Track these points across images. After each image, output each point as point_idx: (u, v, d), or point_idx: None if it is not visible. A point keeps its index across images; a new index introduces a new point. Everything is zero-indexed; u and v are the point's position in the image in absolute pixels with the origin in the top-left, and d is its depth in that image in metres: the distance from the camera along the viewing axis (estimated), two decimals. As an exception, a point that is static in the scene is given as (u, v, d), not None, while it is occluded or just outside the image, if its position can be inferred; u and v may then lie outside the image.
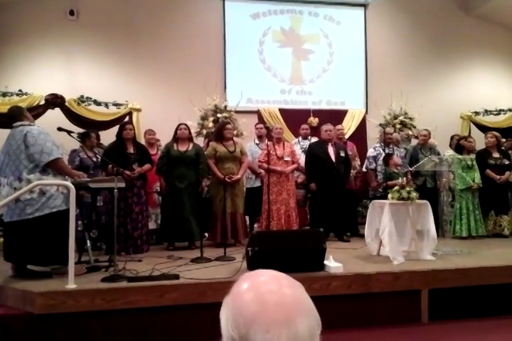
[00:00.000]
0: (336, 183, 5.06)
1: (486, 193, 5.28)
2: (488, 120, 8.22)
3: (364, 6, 8.84)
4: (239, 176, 4.89)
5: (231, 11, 8.31)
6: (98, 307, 2.85)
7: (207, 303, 2.96)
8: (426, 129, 5.98)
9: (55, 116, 6.28)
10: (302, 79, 8.54)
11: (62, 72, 7.48)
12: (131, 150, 4.58)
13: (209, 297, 2.98)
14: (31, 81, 6.99)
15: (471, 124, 8.29)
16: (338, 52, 8.68)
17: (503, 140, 6.20)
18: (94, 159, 4.78)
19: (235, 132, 6.26)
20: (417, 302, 3.32)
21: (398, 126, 7.26)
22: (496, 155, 5.47)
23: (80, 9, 7.66)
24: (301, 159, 5.48)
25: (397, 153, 5.72)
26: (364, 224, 4.29)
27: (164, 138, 5.39)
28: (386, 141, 5.79)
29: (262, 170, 5.29)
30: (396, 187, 4.01)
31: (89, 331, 2.86)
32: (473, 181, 5.22)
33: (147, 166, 4.62)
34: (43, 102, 6.34)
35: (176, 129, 4.89)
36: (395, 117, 7.39)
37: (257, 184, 5.63)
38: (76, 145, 4.93)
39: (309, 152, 5.30)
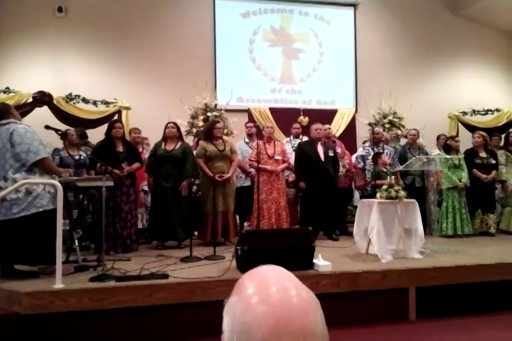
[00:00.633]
0: (325, 182, 5.08)
1: (473, 192, 5.34)
2: (476, 120, 8.31)
3: (354, 5, 8.89)
4: (229, 175, 4.89)
5: (221, 9, 8.30)
6: (86, 307, 2.83)
7: (196, 302, 2.97)
8: (415, 129, 6.04)
9: (42, 114, 6.21)
10: (292, 79, 8.56)
11: (50, 69, 7.40)
12: (120, 148, 4.54)
13: (198, 296, 2.98)
14: (19, 78, 6.90)
15: (459, 124, 8.38)
16: (328, 51, 8.72)
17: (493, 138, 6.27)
18: (77, 157, 4.74)
19: (225, 131, 6.26)
20: (404, 300, 3.35)
21: (387, 125, 7.32)
22: (483, 154, 5.53)
23: (68, 6, 7.58)
24: (292, 158, 5.49)
25: (386, 152, 5.76)
26: (353, 222, 4.32)
27: (154, 136, 5.36)
28: (374, 140, 5.83)
29: (252, 169, 5.29)
30: (384, 186, 4.05)
31: (77, 331, 2.84)
32: (460, 180, 5.28)
33: (136, 165, 4.59)
34: (30, 100, 6.26)
35: (165, 128, 4.87)
36: (384, 117, 7.45)
37: (247, 183, 5.63)
38: (59, 143, 4.90)
39: (298, 151, 5.32)
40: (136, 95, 7.31)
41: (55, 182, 3.15)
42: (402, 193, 3.98)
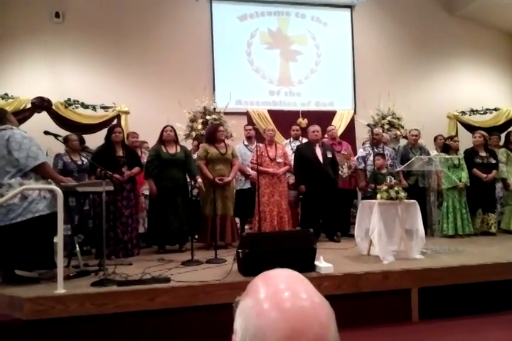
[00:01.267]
0: (325, 184, 5.08)
1: (473, 192, 5.34)
2: (475, 119, 8.32)
3: (350, 7, 8.92)
4: (230, 178, 4.88)
5: (218, 13, 8.32)
6: (88, 312, 2.82)
7: (199, 306, 2.96)
8: (416, 129, 6.02)
9: (41, 120, 6.21)
10: (290, 81, 8.57)
11: (48, 75, 7.41)
12: (120, 153, 4.54)
13: (201, 300, 2.97)
14: (17, 84, 6.92)
15: (458, 124, 8.39)
16: (325, 53, 8.74)
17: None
18: (79, 162, 4.74)
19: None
20: (407, 301, 3.34)
21: (386, 126, 7.33)
22: (483, 154, 5.54)
23: (65, 11, 7.60)
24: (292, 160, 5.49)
25: (386, 152, 5.76)
26: (354, 224, 4.31)
27: (153, 140, 5.35)
28: (374, 141, 5.83)
29: (252, 172, 5.29)
30: (385, 187, 4.04)
31: (79, 336, 2.83)
32: (460, 180, 5.28)
33: (136, 169, 4.58)
34: (29, 106, 6.27)
35: (162, 131, 4.86)
36: (383, 117, 7.46)
37: (247, 185, 5.63)
38: (61, 148, 4.90)
39: (297, 153, 5.31)
40: (134, 99, 7.31)
41: (55, 187, 3.14)
42: (403, 194, 3.98)
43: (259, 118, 7.42)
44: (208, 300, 2.96)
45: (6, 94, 6.27)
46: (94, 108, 6.73)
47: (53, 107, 6.43)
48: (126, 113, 7.01)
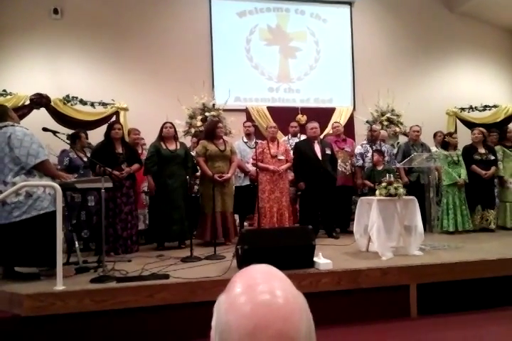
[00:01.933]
0: (324, 180, 5.08)
1: (473, 188, 5.35)
2: (474, 116, 8.32)
3: (350, 3, 8.90)
4: (229, 175, 4.88)
5: (217, 9, 8.30)
6: (87, 308, 2.82)
7: (197, 302, 2.96)
8: (417, 125, 6.00)
9: (40, 116, 6.20)
10: (290, 77, 8.56)
11: (47, 71, 7.39)
12: (119, 150, 4.53)
13: (199, 296, 2.97)
14: (16, 81, 6.90)
15: (457, 120, 8.39)
16: (324, 49, 8.72)
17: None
18: (85, 159, 4.73)
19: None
20: (405, 297, 3.35)
21: (385, 122, 7.32)
22: (482, 150, 5.54)
23: (64, 8, 7.58)
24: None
25: (384, 149, 5.75)
26: (353, 220, 4.32)
27: (152, 137, 5.34)
28: (372, 138, 5.83)
29: (250, 169, 5.28)
30: (384, 184, 4.04)
31: (78, 333, 2.84)
32: (460, 177, 5.28)
33: (136, 166, 4.58)
34: (28, 102, 6.25)
35: (162, 128, 4.86)
36: (382, 114, 7.45)
37: (246, 182, 5.62)
38: (62, 145, 4.87)
39: (296, 150, 5.30)
40: (133, 96, 7.30)
41: (54, 184, 3.13)
42: (402, 190, 3.98)
43: (258, 114, 7.41)
44: (207, 297, 2.96)
45: (5, 91, 6.25)
46: (92, 104, 6.72)
47: (52, 104, 6.42)
48: (125, 109, 7.00)
